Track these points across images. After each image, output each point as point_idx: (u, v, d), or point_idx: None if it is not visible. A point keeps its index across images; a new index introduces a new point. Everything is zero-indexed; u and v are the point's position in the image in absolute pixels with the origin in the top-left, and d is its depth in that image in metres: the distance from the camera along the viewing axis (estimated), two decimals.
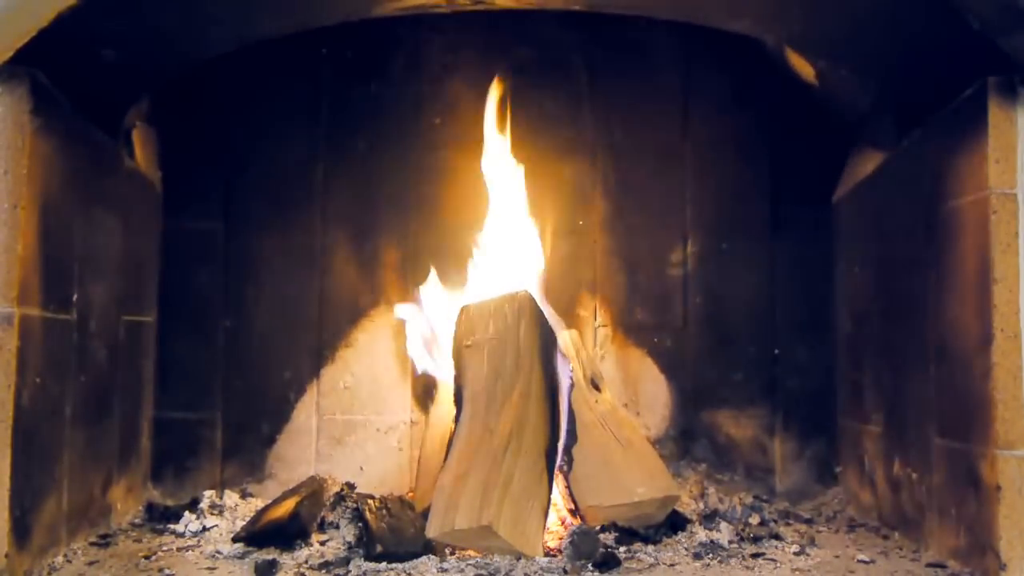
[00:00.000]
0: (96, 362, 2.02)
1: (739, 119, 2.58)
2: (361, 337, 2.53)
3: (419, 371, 2.42)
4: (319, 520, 2.06)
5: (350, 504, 2.10)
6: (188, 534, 2.07)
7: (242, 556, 1.89)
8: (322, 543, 1.96)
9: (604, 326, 2.55)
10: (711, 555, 1.90)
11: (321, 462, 2.49)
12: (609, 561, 1.78)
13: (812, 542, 2.03)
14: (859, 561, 1.90)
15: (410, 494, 2.20)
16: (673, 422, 2.54)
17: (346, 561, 1.81)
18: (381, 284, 2.53)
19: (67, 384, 1.86)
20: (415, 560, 1.79)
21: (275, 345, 2.51)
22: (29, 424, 1.68)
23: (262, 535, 1.93)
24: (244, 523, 2.03)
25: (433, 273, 2.43)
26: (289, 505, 2.01)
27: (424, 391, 2.45)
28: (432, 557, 1.80)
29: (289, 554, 1.88)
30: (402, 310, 2.45)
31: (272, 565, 1.78)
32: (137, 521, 2.23)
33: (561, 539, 1.88)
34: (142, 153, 2.34)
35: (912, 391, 2.03)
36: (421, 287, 2.43)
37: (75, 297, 1.89)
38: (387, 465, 2.50)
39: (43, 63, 1.69)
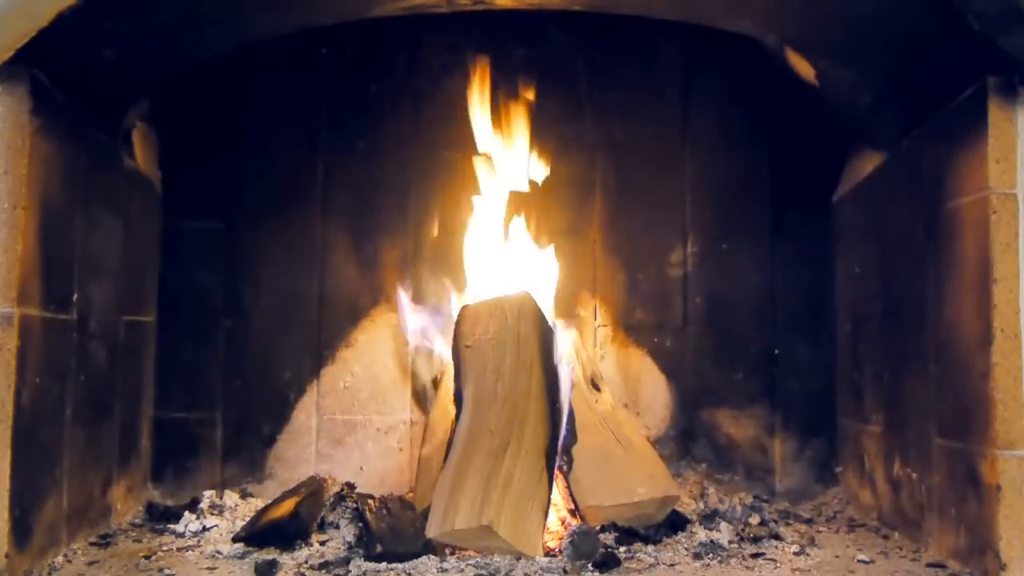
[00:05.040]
0: (96, 362, 2.02)
1: (739, 119, 2.58)
2: (361, 337, 2.53)
3: (425, 381, 2.41)
4: (319, 520, 2.06)
5: (350, 504, 2.10)
6: (188, 534, 2.07)
7: (242, 556, 1.89)
8: (322, 543, 1.95)
9: (604, 326, 2.55)
10: (711, 555, 1.90)
11: (321, 462, 2.49)
12: (609, 561, 1.78)
13: (812, 542, 2.03)
14: (859, 561, 1.90)
15: (410, 494, 2.20)
16: (673, 422, 2.54)
17: (346, 561, 1.81)
18: (381, 284, 2.53)
19: (67, 384, 1.86)
20: (415, 560, 1.79)
21: (275, 345, 2.51)
22: (29, 424, 1.68)
23: (262, 535, 1.93)
24: (244, 523, 2.04)
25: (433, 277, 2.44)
26: (289, 505, 2.01)
27: (424, 391, 2.45)
28: (432, 557, 1.80)
29: (289, 554, 1.88)
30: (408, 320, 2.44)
31: (272, 565, 1.78)
32: (137, 521, 2.23)
33: (561, 539, 1.87)
34: (142, 153, 2.34)
35: (912, 391, 2.03)
36: (422, 292, 2.43)
37: (75, 297, 1.89)
38: (387, 465, 2.50)
39: (43, 63, 1.69)
